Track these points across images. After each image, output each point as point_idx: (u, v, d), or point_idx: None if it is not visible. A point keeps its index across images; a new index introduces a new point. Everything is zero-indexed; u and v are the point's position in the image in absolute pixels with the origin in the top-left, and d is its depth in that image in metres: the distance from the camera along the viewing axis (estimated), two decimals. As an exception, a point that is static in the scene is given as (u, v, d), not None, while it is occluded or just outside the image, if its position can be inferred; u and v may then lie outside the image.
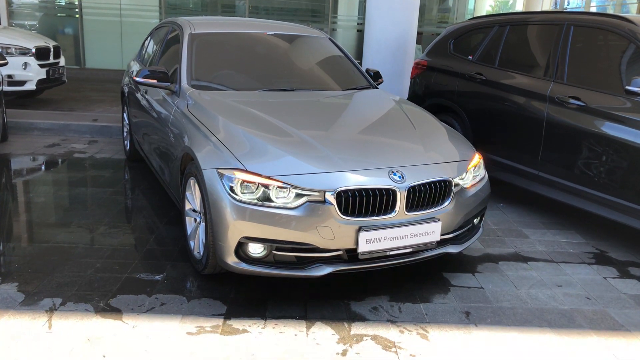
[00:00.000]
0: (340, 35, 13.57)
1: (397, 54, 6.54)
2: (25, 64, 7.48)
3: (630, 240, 3.97)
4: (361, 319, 2.75)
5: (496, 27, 4.86)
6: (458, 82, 5.02)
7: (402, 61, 6.60)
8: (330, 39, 4.66)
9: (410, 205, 2.83)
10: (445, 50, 5.34)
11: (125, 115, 5.53)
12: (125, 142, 5.59)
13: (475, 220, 3.28)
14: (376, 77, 4.48)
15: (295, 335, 2.58)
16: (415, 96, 5.59)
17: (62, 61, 8.39)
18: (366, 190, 2.73)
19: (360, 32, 13.40)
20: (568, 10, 4.43)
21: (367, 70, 4.52)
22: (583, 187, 3.90)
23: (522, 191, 4.47)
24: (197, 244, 3.13)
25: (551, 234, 4.04)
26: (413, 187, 2.81)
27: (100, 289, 2.90)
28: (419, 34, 13.45)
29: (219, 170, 2.77)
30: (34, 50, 7.58)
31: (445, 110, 5.20)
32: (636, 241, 3.95)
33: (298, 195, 2.68)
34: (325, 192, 2.68)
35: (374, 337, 2.59)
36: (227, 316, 2.71)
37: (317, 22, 13.41)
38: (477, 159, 3.29)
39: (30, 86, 7.59)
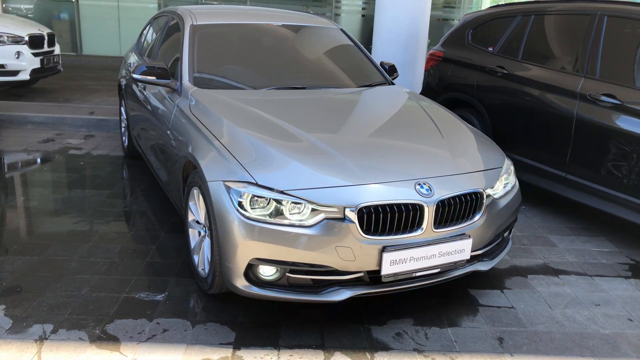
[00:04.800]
0: (344, 21, 13.17)
1: (409, 43, 6.22)
2: (18, 53, 7.15)
3: (666, 248, 3.71)
4: (384, 347, 2.49)
5: (519, 17, 4.53)
6: (477, 76, 4.71)
7: (414, 50, 6.28)
8: (342, 29, 4.34)
9: (439, 221, 2.55)
10: (462, 40, 5.01)
11: (122, 109, 5.22)
12: (123, 138, 5.29)
13: (505, 233, 3.00)
14: (391, 71, 4.18)
15: (313, 369, 2.32)
16: (430, 89, 5.27)
17: (57, 49, 8.05)
18: (390, 205, 2.45)
19: (365, 17, 13.01)
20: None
21: (382, 64, 4.20)
22: (616, 192, 3.62)
23: (543, 192, 4.18)
24: (201, 259, 2.86)
25: (580, 242, 3.77)
26: (442, 201, 2.53)
27: (96, 312, 2.64)
28: (425, 18, 13.05)
29: (226, 183, 2.48)
30: (27, 39, 7.24)
31: (462, 105, 4.89)
32: (672, 250, 3.69)
33: (314, 212, 2.40)
34: (345, 208, 2.40)
35: (400, 371, 2.33)
36: (237, 345, 2.45)
37: (320, 7, 13.00)
38: (507, 165, 3.00)
39: (24, 76, 7.26)
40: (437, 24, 13.56)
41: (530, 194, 4.57)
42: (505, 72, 4.45)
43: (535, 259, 3.48)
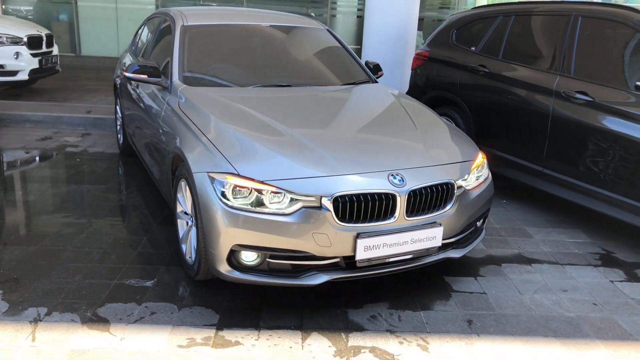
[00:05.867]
0: (340, 22, 13.34)
1: (398, 43, 6.38)
2: (17, 54, 7.31)
3: (638, 240, 3.85)
4: (359, 328, 2.64)
5: (500, 17, 4.69)
6: (460, 74, 4.87)
7: (403, 50, 6.44)
8: (328, 30, 4.49)
9: (411, 210, 2.70)
10: (447, 40, 5.17)
11: (118, 108, 5.38)
12: (119, 135, 5.45)
13: (478, 222, 3.16)
14: (376, 70, 4.33)
15: (290, 347, 2.48)
16: (416, 88, 5.43)
17: (55, 50, 8.21)
18: (364, 195, 2.60)
19: (361, 18, 13.16)
20: (577, 0, 4.29)
21: (367, 63, 4.36)
22: (589, 185, 3.77)
23: (525, 187, 4.34)
24: (188, 248, 3.02)
25: (556, 233, 3.92)
26: (414, 191, 2.68)
27: (88, 297, 2.79)
28: (420, 19, 13.21)
29: (210, 174, 2.64)
30: (25, 39, 7.40)
31: (447, 103, 5.05)
32: (643, 241, 3.84)
33: (293, 201, 2.55)
34: (321, 197, 2.55)
35: (372, 349, 2.49)
36: (220, 327, 2.60)
37: (317, 8, 13.17)
38: (480, 158, 3.16)
39: (23, 76, 7.42)
40: (432, 25, 13.73)
41: (511, 188, 4.73)
42: (487, 70, 4.61)
43: (511, 249, 3.64)
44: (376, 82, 4.15)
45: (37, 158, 5.22)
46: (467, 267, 3.33)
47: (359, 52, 7.73)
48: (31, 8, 12.22)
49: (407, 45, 6.43)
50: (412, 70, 5.56)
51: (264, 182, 2.56)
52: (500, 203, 4.48)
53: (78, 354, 2.35)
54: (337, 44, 4.39)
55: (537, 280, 3.22)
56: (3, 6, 11.89)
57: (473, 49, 4.85)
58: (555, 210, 4.37)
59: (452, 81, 4.95)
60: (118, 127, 5.46)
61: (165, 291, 2.89)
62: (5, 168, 4.90)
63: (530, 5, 4.54)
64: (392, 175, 2.68)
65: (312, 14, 12.97)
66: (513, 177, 4.39)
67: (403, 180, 2.68)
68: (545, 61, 4.19)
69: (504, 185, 4.77)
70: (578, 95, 3.83)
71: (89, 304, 2.73)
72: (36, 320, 2.57)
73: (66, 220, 3.74)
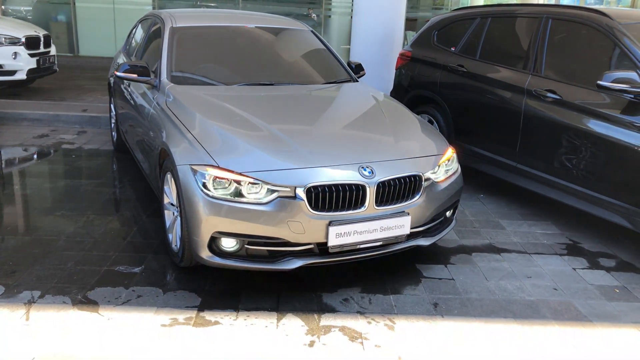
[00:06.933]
0: (335, 22, 13.52)
1: (385, 44, 6.57)
2: (15, 54, 7.50)
3: (604, 231, 4.04)
4: (331, 310, 2.84)
5: (478, 19, 4.88)
6: (440, 74, 5.06)
7: (389, 50, 6.63)
8: (312, 31, 4.68)
9: (380, 200, 2.89)
10: (429, 41, 5.36)
11: (112, 106, 5.57)
12: (113, 133, 5.64)
13: (447, 213, 3.35)
14: (358, 69, 4.52)
15: (266, 327, 2.67)
16: (400, 87, 5.62)
17: (52, 50, 8.40)
18: (336, 185, 2.79)
19: (354, 19, 13.35)
20: (550, 3, 4.52)
21: (349, 63, 4.55)
22: (558, 179, 3.96)
23: (503, 182, 4.53)
24: (174, 237, 3.21)
25: (527, 225, 4.11)
26: (382, 182, 2.87)
27: (79, 282, 2.98)
28: (414, 20, 13.43)
29: (193, 167, 2.83)
30: (23, 40, 7.59)
31: (428, 102, 5.24)
32: (609, 232, 4.02)
33: (269, 191, 2.75)
34: (295, 187, 2.75)
35: (342, 328, 2.68)
36: (201, 308, 2.79)
37: (313, 9, 13.35)
38: (450, 153, 3.35)
39: (21, 76, 7.61)
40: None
41: (488, 183, 4.92)
42: (465, 70, 4.80)
43: (482, 239, 3.83)
44: (357, 81, 4.34)
45: (34, 154, 5.41)
46: (439, 256, 3.52)
47: (348, 52, 7.91)
48: (30, 9, 12.41)
49: (393, 45, 6.62)
50: (396, 70, 5.75)
51: (242, 174, 2.76)
52: (478, 197, 4.67)
53: (68, 331, 2.54)
54: (321, 45, 4.58)
55: (504, 268, 3.42)
56: (3, 7, 12.08)
57: (452, 49, 5.05)
58: (529, 204, 4.56)
59: (432, 80, 5.14)
60: (112, 124, 5.65)
61: (151, 277, 3.08)
62: (3, 164, 5.09)
63: (506, 7, 4.74)
64: (363, 167, 2.88)
65: (314, 16, 13.17)
66: (489, 172, 4.58)
67: (373, 172, 2.87)
68: (518, 61, 4.39)
69: (482, 180, 4.96)
70: (547, 94, 4.02)
71: (79, 288, 2.92)
72: (30, 302, 2.76)
73: (61, 213, 3.93)
